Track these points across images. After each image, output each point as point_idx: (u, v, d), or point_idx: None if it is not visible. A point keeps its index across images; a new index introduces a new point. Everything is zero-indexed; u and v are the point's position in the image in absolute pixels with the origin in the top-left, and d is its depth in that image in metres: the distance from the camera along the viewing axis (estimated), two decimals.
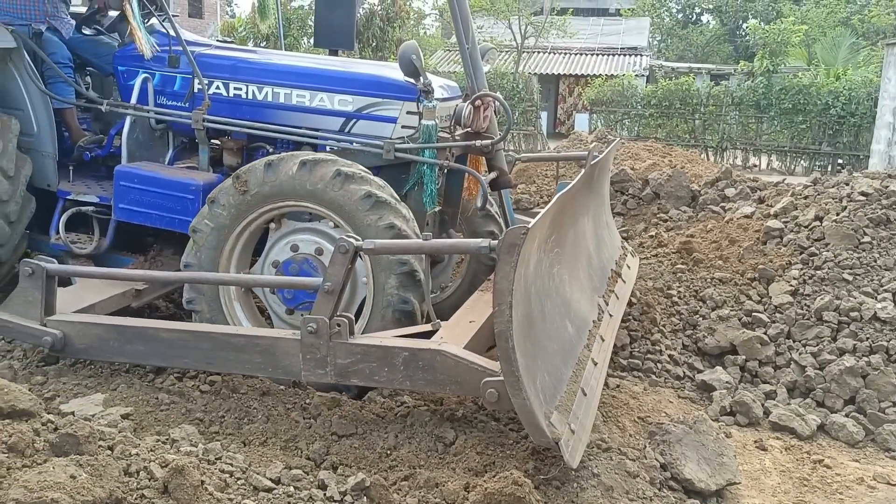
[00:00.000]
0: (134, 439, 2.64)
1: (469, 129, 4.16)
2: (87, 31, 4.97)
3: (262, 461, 2.79)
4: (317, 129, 4.14)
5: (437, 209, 4.07)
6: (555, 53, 26.74)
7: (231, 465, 2.64)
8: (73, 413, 2.95)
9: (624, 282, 4.56)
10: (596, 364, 3.39)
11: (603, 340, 3.66)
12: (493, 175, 4.41)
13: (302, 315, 3.54)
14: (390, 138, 3.95)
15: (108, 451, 2.47)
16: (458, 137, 4.10)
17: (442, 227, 4.34)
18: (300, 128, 4.14)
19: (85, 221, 4.55)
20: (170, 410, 3.22)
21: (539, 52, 25.96)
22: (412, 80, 3.93)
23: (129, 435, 2.69)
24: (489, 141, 4.17)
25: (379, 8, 26.15)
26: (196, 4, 35.15)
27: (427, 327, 3.34)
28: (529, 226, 2.66)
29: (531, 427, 2.68)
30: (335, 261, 3.03)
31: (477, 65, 4.19)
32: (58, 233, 4.39)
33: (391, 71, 4.18)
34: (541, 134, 20.91)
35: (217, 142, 4.39)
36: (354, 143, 4.04)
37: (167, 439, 2.83)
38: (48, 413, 2.73)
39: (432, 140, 3.86)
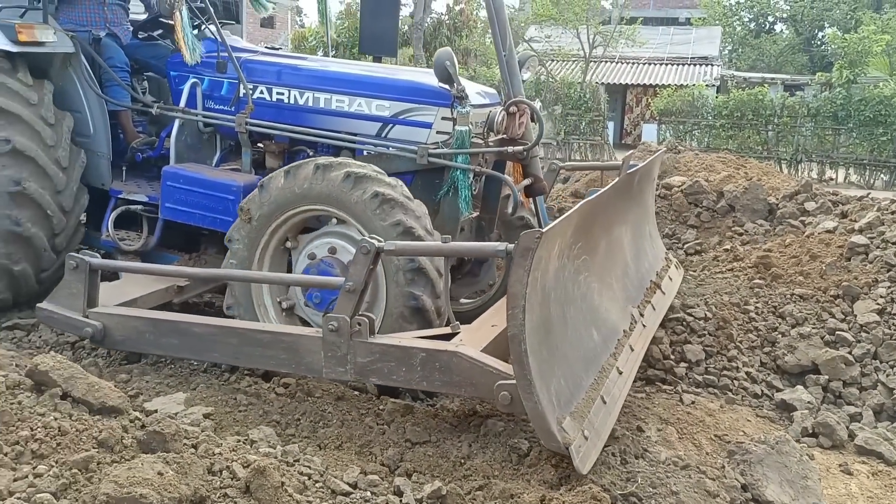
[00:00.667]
0: (216, 438, 2.69)
1: (504, 136, 4.18)
2: (144, 37, 5.11)
3: (339, 465, 2.82)
4: (355, 134, 4.22)
5: (473, 215, 4.12)
6: (623, 63, 26.45)
7: (309, 467, 2.66)
8: (156, 411, 3.03)
9: (663, 293, 4.48)
10: (621, 373, 3.35)
11: (632, 350, 3.60)
12: (527, 182, 4.40)
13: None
14: (425, 143, 4.00)
15: (193, 450, 2.52)
16: (491, 143, 4.11)
17: (479, 232, 4.36)
18: (339, 132, 4.23)
19: (135, 219, 4.73)
20: (248, 411, 3.28)
21: (607, 62, 25.73)
22: (446, 87, 3.94)
23: (211, 434, 2.74)
24: (521, 147, 4.17)
25: (446, 17, 26.35)
26: (268, 16, 35.99)
27: (447, 330, 3.35)
28: (544, 230, 2.66)
29: (542, 431, 2.69)
30: (357, 261, 3.09)
31: (513, 71, 4.22)
32: (108, 230, 4.58)
33: (427, 77, 4.20)
34: (607, 144, 20.70)
35: (261, 145, 4.51)
36: (390, 148, 4.09)
37: (246, 440, 2.88)
38: (135, 410, 2.81)
39: (465, 145, 3.90)
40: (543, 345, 2.81)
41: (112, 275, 4.26)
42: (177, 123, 4.55)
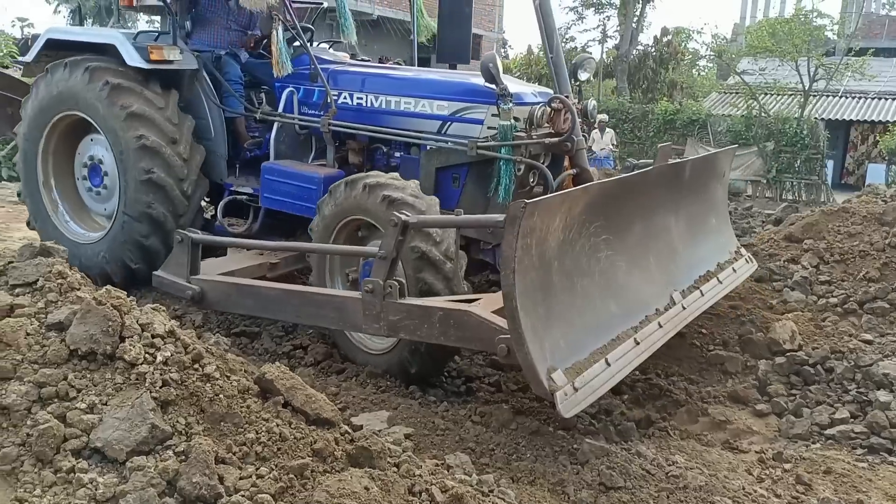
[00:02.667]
0: (416, 460, 2.79)
1: (551, 130, 4.52)
2: (257, 55, 5.82)
3: (532, 500, 2.81)
4: (420, 132, 4.77)
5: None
6: (847, 97, 24.48)
7: (503, 499, 2.69)
8: (363, 426, 3.18)
9: (720, 282, 4.64)
10: (638, 343, 3.56)
11: (660, 327, 3.81)
12: (573, 172, 4.66)
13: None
14: (478, 138, 4.44)
15: (395, 469, 2.63)
16: (535, 137, 4.42)
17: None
18: (408, 130, 4.80)
19: (244, 208, 5.47)
20: (445, 436, 3.37)
21: (828, 96, 23.94)
22: (492, 86, 4.39)
23: (411, 455, 2.84)
24: (559, 139, 4.48)
25: (652, 49, 25.85)
26: (475, 48, 37.09)
27: (474, 296, 3.76)
28: (529, 202, 2.97)
29: (531, 378, 3.03)
30: (388, 233, 3.59)
31: (560, 71, 4.66)
32: (219, 216, 5.34)
33: (478, 79, 4.60)
34: (825, 184, 19.23)
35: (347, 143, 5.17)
36: (448, 143, 4.61)
37: (443, 464, 2.96)
38: (344, 424, 2.97)
39: (507, 138, 4.33)
40: (540, 305, 3.15)
41: (223, 252, 5.10)
42: (276, 126, 5.28)
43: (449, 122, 4.68)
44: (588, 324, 3.42)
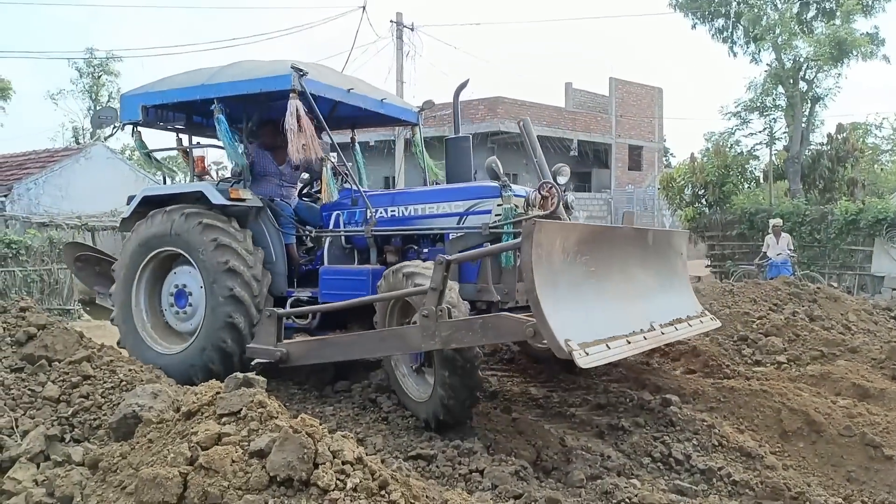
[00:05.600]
0: None
1: (541, 210, 5.62)
2: (306, 200, 7.49)
3: None
4: (442, 228, 6.06)
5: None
6: None
7: None
8: None
9: (689, 326, 5.80)
10: (629, 343, 4.74)
11: (645, 339, 4.98)
12: None
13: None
14: (488, 223, 5.73)
15: None
16: (530, 215, 5.53)
17: None
18: (433, 228, 6.12)
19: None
20: None
21: None
22: (496, 183, 5.74)
23: None
24: (548, 215, 5.51)
25: (827, 147, 24.69)
26: (636, 158, 37.25)
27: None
28: (538, 222, 4.28)
29: (553, 346, 4.11)
30: (436, 270, 4.70)
31: (543, 169, 5.84)
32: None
33: (485, 182, 6.03)
34: None
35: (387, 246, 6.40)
36: (465, 232, 5.91)
37: None
38: None
39: (510, 218, 5.61)
40: (553, 297, 4.26)
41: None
42: (327, 241, 6.65)
43: (464, 216, 5.94)
44: (591, 320, 4.55)
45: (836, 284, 16.50)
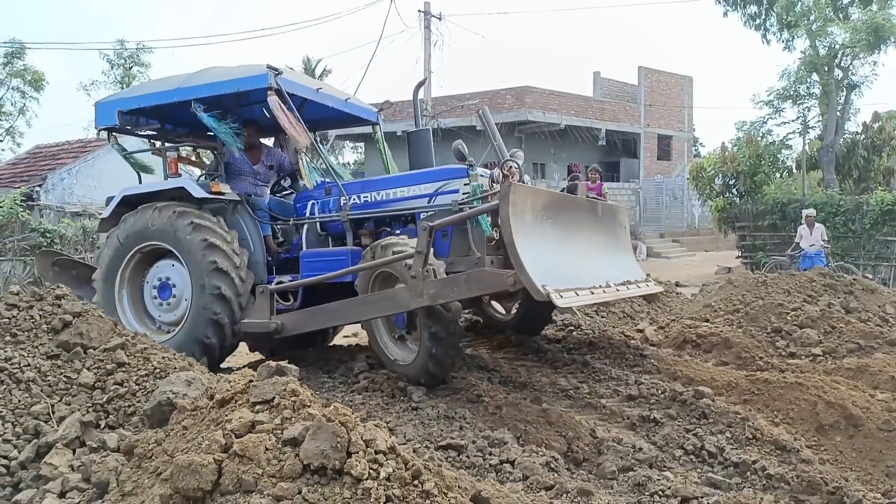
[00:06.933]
0: None
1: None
2: (278, 196, 7.98)
3: None
4: (413, 208, 6.60)
5: (494, 234, 6.01)
6: None
7: None
8: None
9: (638, 287, 6.54)
10: (593, 293, 5.45)
11: (605, 292, 5.71)
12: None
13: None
14: (457, 201, 6.24)
15: None
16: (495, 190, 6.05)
17: (497, 247, 6.02)
18: (404, 209, 6.65)
19: (284, 293, 6.89)
20: None
21: None
22: (462, 164, 6.18)
23: None
24: (491, 205, 5.69)
25: (862, 137, 24.22)
26: (665, 148, 36.85)
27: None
28: (513, 184, 5.24)
29: (532, 290, 4.79)
30: (421, 235, 5.36)
31: (502, 148, 6.68)
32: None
33: (452, 164, 6.46)
34: None
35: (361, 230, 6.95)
36: (435, 210, 6.39)
37: None
38: None
39: (477, 194, 6.09)
40: (529, 248, 4.98)
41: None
42: (305, 228, 7.14)
43: (434, 197, 6.48)
44: (559, 272, 5.20)
45: (870, 276, 16.19)
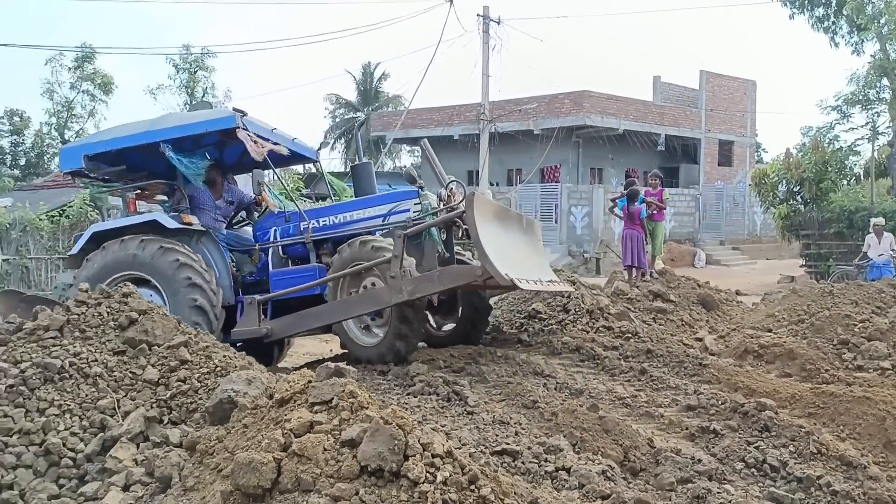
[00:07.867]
0: None
1: (450, 203, 7.12)
2: (235, 228, 8.77)
3: None
4: (369, 227, 7.47)
5: (446, 254, 7.06)
6: None
7: None
8: None
9: (559, 285, 7.68)
10: (543, 286, 6.94)
11: (545, 286, 7.06)
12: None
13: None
14: (411, 219, 7.19)
15: None
16: (443, 208, 7.15)
17: (448, 260, 7.04)
18: (361, 229, 7.44)
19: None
20: None
21: None
22: (414, 187, 7.37)
23: None
24: (458, 211, 6.77)
25: None
26: (726, 153, 36.10)
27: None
28: (476, 194, 6.41)
29: (497, 277, 5.97)
30: (396, 242, 6.38)
31: (442, 173, 7.52)
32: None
33: (404, 188, 7.74)
34: None
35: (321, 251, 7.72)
36: (389, 228, 7.26)
37: None
38: None
39: (427, 211, 7.17)
40: (492, 244, 6.09)
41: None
42: (271, 251, 7.78)
43: (388, 216, 7.42)
44: (513, 265, 6.24)
45: None
